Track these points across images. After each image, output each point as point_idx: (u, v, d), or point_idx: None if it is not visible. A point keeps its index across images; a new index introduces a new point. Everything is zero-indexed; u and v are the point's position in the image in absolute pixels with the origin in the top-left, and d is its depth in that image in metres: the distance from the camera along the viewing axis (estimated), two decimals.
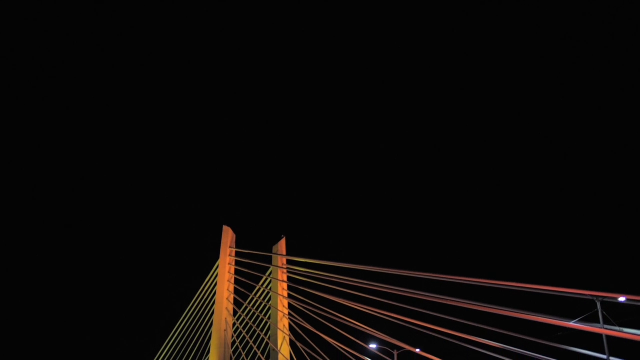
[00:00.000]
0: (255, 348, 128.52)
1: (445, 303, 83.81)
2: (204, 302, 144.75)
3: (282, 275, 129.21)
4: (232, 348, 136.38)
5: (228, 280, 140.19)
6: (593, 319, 67.63)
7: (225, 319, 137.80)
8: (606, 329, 66.78)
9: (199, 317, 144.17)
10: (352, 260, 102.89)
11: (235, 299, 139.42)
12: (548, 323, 72.91)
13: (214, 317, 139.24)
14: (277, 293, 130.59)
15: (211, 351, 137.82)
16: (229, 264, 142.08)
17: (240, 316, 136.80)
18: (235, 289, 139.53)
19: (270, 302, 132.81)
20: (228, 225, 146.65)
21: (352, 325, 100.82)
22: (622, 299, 65.43)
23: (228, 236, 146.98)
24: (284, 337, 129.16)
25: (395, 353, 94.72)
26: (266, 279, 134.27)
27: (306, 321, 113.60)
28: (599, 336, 67.96)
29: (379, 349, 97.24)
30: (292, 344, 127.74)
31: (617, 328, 66.14)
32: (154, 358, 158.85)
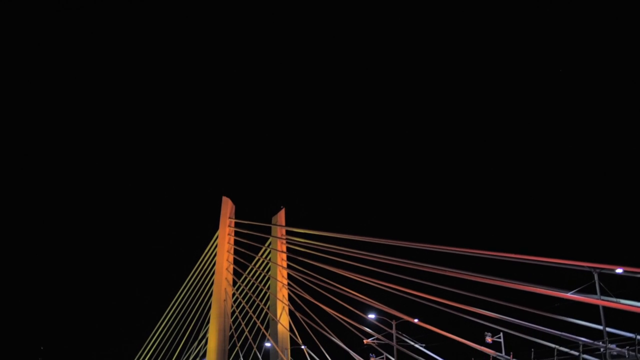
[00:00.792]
0: (254, 318, 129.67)
1: (444, 274, 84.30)
2: (204, 272, 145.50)
3: (281, 245, 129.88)
4: (231, 318, 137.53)
5: (227, 251, 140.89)
6: (590, 290, 68.15)
7: (225, 289, 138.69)
8: (603, 300, 67.32)
9: (199, 288, 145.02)
10: (351, 231, 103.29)
11: (234, 269, 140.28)
12: (545, 294, 73.46)
13: (214, 287, 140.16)
14: (276, 263, 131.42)
15: (211, 321, 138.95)
16: (229, 234, 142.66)
17: (239, 286, 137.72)
18: (234, 259, 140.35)
19: (269, 273, 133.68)
20: (227, 196, 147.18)
21: (351, 295, 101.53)
22: (619, 270, 65.85)
23: (227, 207, 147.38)
24: (283, 307, 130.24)
25: (394, 323, 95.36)
26: (265, 250, 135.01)
27: (305, 291, 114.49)
28: (595, 307, 68.57)
29: (378, 319, 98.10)
30: (291, 314, 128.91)
31: (614, 299, 66.65)
32: (155, 327, 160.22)
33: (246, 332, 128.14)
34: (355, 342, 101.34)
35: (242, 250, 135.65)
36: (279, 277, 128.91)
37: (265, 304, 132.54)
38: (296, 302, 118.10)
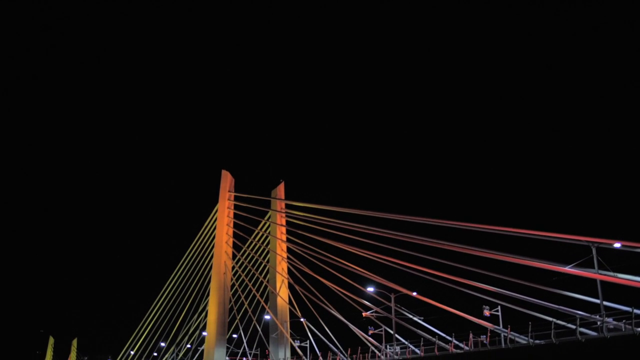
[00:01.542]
0: (254, 291, 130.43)
1: (443, 248, 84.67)
2: (204, 246, 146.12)
3: (281, 219, 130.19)
4: (231, 291, 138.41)
5: (227, 224, 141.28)
6: (588, 264, 68.47)
7: (225, 262, 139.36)
8: (601, 274, 67.66)
9: (199, 261, 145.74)
10: (350, 204, 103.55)
11: (234, 242, 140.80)
12: (544, 268, 73.87)
13: (213, 260, 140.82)
14: (275, 237, 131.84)
15: (211, 293, 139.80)
16: (228, 208, 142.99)
17: (239, 260, 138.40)
18: (234, 233, 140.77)
19: (269, 246, 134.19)
20: (227, 170, 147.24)
21: (350, 269, 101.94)
22: (617, 245, 66.12)
23: (227, 180, 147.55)
24: (283, 280, 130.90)
25: (393, 296, 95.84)
26: (265, 223, 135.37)
27: (305, 265, 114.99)
28: (593, 281, 68.92)
29: (377, 292, 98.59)
30: (290, 287, 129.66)
31: (612, 273, 66.99)
32: (155, 300, 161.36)
33: (246, 305, 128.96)
34: (354, 315, 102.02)
35: (242, 223, 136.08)
36: (278, 251, 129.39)
37: (264, 277, 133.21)
38: (295, 275, 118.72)
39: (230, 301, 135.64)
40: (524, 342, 74.68)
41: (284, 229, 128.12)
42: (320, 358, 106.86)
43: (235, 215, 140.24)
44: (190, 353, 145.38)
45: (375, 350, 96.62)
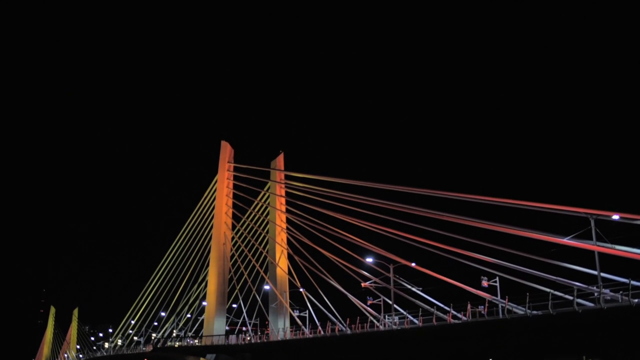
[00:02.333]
0: (253, 261, 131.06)
1: (442, 219, 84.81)
2: (203, 216, 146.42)
3: (280, 190, 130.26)
4: (231, 261, 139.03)
5: (227, 195, 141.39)
6: (586, 236, 68.58)
7: (224, 232, 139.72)
8: (599, 245, 67.82)
9: (199, 231, 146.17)
10: (350, 175, 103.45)
11: (233, 213, 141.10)
12: (542, 239, 74.06)
13: (213, 231, 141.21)
14: (275, 208, 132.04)
15: (210, 264, 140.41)
16: (228, 178, 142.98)
17: (238, 230, 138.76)
18: (233, 203, 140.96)
19: (268, 217, 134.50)
20: (226, 141, 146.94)
21: (349, 239, 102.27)
22: (615, 216, 66.19)
23: (226, 151, 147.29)
24: (282, 250, 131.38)
25: (391, 267, 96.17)
26: (264, 194, 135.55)
27: (304, 235, 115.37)
28: (591, 253, 69.11)
29: (376, 263, 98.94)
30: (289, 258, 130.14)
31: (610, 245, 67.16)
32: (155, 270, 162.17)
33: (245, 275, 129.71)
34: (353, 285, 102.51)
35: (241, 194, 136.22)
36: (277, 222, 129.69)
37: (264, 248, 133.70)
38: (295, 246, 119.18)
39: (230, 271, 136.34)
40: (522, 312, 75.11)
41: (283, 200, 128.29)
42: (320, 328, 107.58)
43: (235, 186, 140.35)
44: (190, 322, 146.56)
45: (374, 320, 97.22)
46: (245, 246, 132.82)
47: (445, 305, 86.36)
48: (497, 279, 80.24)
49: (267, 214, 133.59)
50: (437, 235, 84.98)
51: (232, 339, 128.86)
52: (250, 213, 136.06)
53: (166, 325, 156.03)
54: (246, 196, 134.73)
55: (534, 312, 73.69)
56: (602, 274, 68.68)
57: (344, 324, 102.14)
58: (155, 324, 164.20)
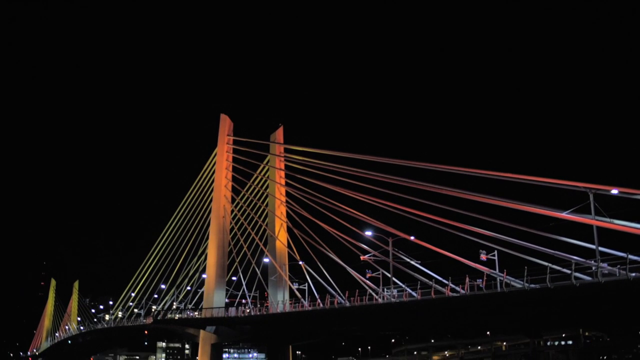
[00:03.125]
0: (253, 234, 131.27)
1: (441, 192, 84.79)
2: (202, 189, 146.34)
3: (280, 163, 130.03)
4: (230, 234, 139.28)
5: (226, 168, 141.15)
6: (585, 210, 68.63)
7: (224, 206, 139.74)
8: (597, 220, 67.93)
9: (198, 205, 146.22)
10: (349, 149, 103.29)
11: (233, 186, 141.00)
12: (541, 213, 74.11)
13: (212, 204, 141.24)
14: (274, 181, 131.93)
15: (210, 237, 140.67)
16: (227, 152, 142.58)
17: (238, 203, 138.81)
18: (233, 177, 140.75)
19: (267, 190, 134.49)
20: (226, 114, 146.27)
21: (348, 213, 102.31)
22: (614, 191, 66.22)
23: (226, 124, 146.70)
24: (281, 224, 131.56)
25: (390, 240, 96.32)
26: (264, 167, 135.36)
27: (303, 209, 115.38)
28: (589, 227, 69.24)
29: (375, 236, 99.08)
30: (289, 231, 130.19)
31: (608, 219, 67.27)
32: (155, 243, 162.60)
33: (245, 248, 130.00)
34: (352, 258, 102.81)
35: (241, 167, 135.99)
36: (277, 195, 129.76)
37: (263, 221, 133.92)
38: (294, 219, 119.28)
39: (230, 244, 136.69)
40: (520, 286, 75.45)
41: (282, 173, 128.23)
42: (319, 300, 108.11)
43: (234, 160, 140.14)
44: (190, 295, 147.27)
45: (373, 293, 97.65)
46: (245, 219, 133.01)
47: (444, 278, 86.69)
48: (495, 252, 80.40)
49: (267, 187, 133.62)
50: (437, 209, 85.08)
51: (232, 312, 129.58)
52: (250, 186, 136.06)
53: (166, 298, 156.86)
54: (246, 169, 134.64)
55: (532, 285, 74.04)
56: (600, 248, 68.90)
57: (343, 297, 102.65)
58: (156, 296, 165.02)
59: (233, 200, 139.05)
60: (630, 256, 66.13)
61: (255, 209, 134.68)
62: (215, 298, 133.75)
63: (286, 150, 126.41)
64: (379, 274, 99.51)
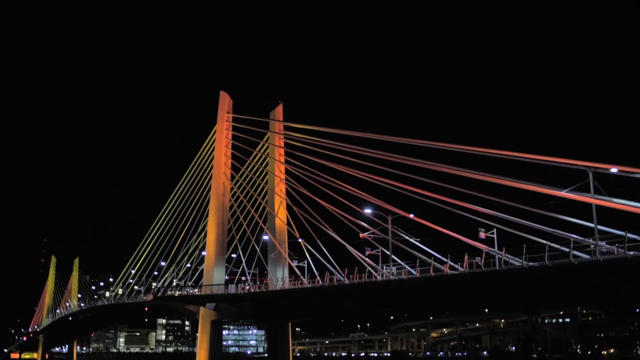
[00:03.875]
0: (252, 212, 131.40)
1: (440, 170, 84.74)
2: (202, 167, 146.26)
3: (279, 141, 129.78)
4: (230, 212, 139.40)
5: (225, 146, 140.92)
6: (584, 189, 68.65)
7: (223, 183, 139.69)
8: (596, 198, 67.96)
9: (198, 182, 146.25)
10: (349, 127, 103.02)
11: (232, 164, 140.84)
12: (540, 192, 74.13)
13: (212, 181, 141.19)
14: (274, 158, 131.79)
15: (210, 214, 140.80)
16: (226, 129, 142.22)
17: (237, 181, 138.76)
18: (232, 154, 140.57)
19: (267, 168, 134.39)
20: (225, 91, 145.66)
21: (348, 190, 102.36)
22: (614, 170, 66.19)
23: (225, 102, 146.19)
24: (281, 201, 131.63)
25: (390, 218, 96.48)
26: (263, 145, 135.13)
27: (303, 186, 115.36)
28: (588, 205, 69.31)
29: (374, 214, 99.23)
30: (288, 208, 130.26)
31: (607, 198, 67.30)
32: (155, 220, 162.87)
33: (244, 226, 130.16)
34: (351, 236, 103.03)
35: (240, 145, 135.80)
36: (276, 172, 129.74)
37: (263, 199, 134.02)
38: (294, 196, 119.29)
39: (229, 222, 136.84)
40: (518, 264, 75.74)
41: (282, 151, 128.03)
42: (318, 278, 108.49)
43: (234, 137, 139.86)
44: (190, 272, 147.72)
45: (372, 271, 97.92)
46: (245, 197, 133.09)
47: (443, 256, 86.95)
48: (494, 230, 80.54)
49: (266, 164, 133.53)
50: (436, 187, 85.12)
51: (232, 289, 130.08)
52: (249, 164, 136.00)
53: (166, 275, 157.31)
54: (245, 147, 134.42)
55: (531, 263, 74.33)
56: (599, 227, 69.05)
57: (342, 274, 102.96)
58: (156, 273, 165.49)
59: (233, 177, 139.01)
60: (629, 234, 66.30)
61: (255, 186, 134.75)
62: (215, 275, 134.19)
63: (286, 128, 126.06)
64: (378, 252, 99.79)
